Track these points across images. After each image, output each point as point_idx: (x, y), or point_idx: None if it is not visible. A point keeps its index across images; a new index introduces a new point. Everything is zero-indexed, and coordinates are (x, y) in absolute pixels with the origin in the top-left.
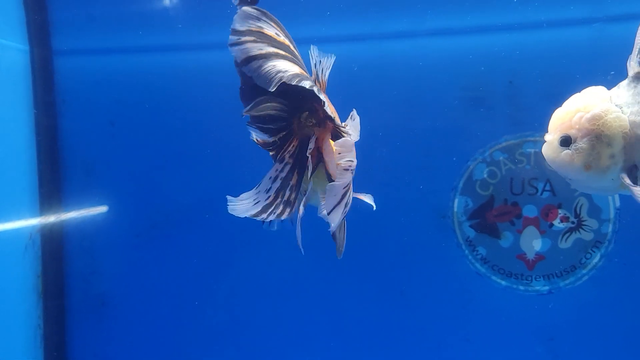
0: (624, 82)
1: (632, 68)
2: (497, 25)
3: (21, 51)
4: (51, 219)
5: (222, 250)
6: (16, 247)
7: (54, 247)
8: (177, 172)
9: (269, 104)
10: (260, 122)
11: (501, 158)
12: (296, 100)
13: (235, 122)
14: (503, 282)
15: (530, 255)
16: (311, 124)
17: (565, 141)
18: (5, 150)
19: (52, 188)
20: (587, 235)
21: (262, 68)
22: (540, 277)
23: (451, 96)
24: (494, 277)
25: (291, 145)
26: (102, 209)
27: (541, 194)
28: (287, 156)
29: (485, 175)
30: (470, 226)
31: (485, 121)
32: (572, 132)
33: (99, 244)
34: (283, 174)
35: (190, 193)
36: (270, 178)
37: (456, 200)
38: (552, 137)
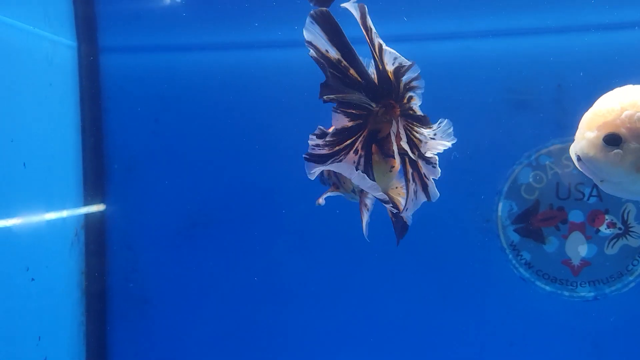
0: None
1: None
2: (545, 27)
3: (70, 47)
4: (95, 213)
5: (265, 249)
6: (63, 243)
7: (97, 244)
8: (219, 169)
9: (357, 95)
10: (346, 107)
11: (547, 162)
12: (376, 96)
13: (280, 120)
14: (547, 288)
15: (576, 261)
16: (386, 120)
17: (613, 140)
18: (53, 146)
19: (95, 184)
20: (634, 242)
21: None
22: (585, 283)
23: (498, 99)
24: (538, 283)
25: (362, 136)
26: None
27: (588, 199)
28: (359, 147)
29: (530, 180)
30: (515, 230)
31: (531, 125)
32: (621, 131)
33: (141, 242)
34: (361, 167)
35: (232, 191)
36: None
37: (500, 204)
38: (594, 134)
